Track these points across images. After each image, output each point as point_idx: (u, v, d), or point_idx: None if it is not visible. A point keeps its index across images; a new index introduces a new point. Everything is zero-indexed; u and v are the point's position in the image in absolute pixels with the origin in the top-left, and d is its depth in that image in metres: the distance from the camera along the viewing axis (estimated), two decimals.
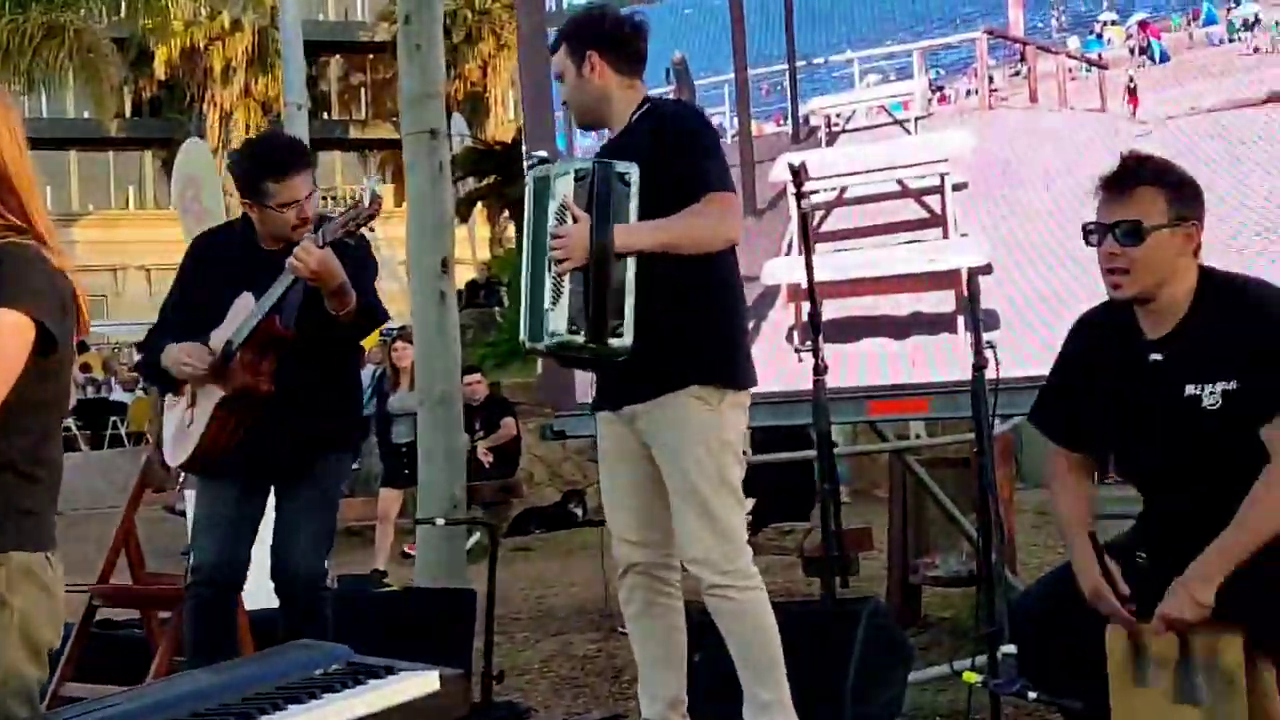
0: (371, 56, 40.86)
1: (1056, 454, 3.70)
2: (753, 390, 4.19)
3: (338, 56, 41.35)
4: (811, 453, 3.98)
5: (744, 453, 4.21)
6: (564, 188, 3.93)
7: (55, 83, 20.37)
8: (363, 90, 42.37)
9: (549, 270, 3.93)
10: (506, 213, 32.30)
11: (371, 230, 4.54)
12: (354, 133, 41.66)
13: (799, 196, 3.73)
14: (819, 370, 3.74)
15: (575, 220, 3.88)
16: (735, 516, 4.08)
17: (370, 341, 18.78)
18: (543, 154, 4.16)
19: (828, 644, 4.47)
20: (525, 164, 4.19)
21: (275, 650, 2.70)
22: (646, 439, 4.11)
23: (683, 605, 4.25)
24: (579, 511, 14.19)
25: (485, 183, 27.38)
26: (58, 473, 2.68)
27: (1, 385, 2.47)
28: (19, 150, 2.62)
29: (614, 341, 3.91)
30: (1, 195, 2.58)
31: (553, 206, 3.94)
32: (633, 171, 3.92)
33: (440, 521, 6.59)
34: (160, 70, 35.31)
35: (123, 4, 22.13)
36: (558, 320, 3.92)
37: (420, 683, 2.42)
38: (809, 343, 4.04)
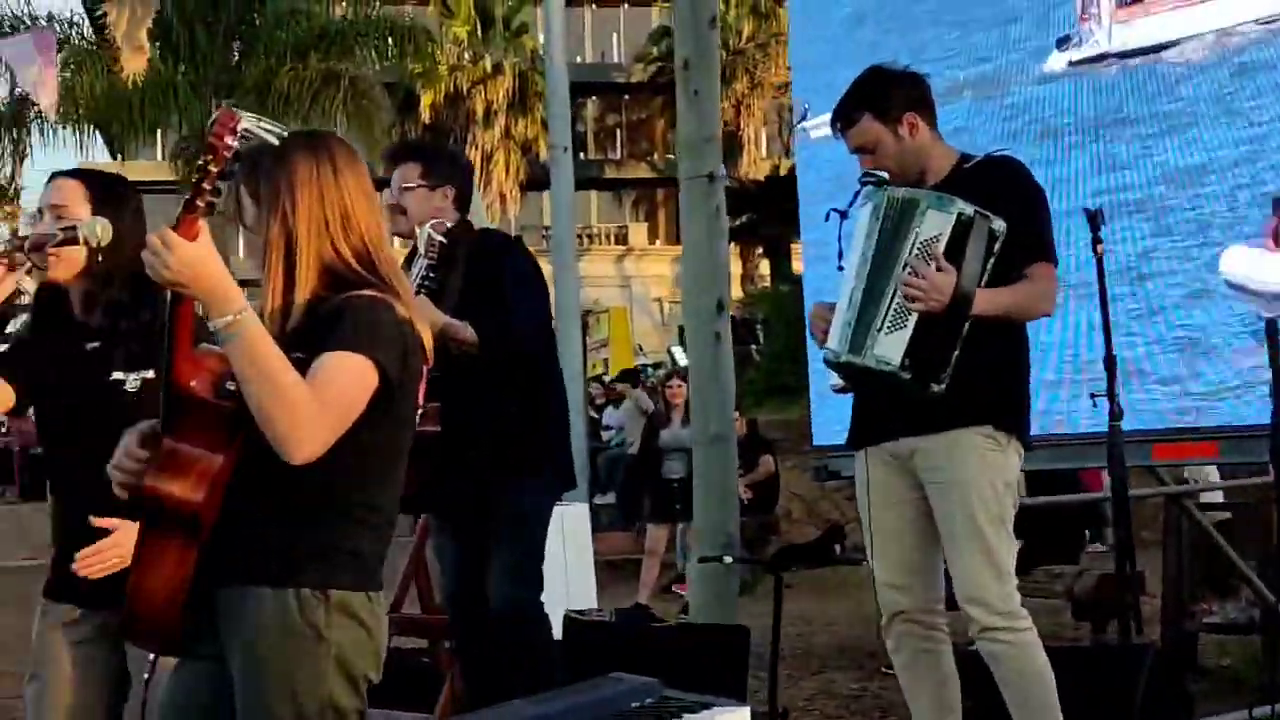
0: (627, 97, 41.44)
1: None
2: (1036, 433, 4.19)
3: (594, 98, 41.97)
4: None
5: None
6: (938, 224, 3.95)
7: (330, 128, 21.10)
8: (618, 130, 42.95)
9: (892, 294, 3.98)
10: (760, 250, 32.53)
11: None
12: (609, 172, 42.24)
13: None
14: (1115, 415, 3.71)
15: (940, 269, 3.90)
16: (1011, 557, 4.06)
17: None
18: (882, 174, 4.18)
19: (1109, 689, 4.42)
20: (860, 179, 4.18)
21: (588, 684, 2.79)
22: (923, 474, 4.08)
23: (951, 650, 4.20)
24: (838, 548, 14.11)
25: (739, 221, 27.52)
26: (389, 517, 2.77)
27: (342, 422, 2.56)
28: (369, 205, 2.75)
29: (934, 388, 3.95)
30: (356, 251, 2.71)
31: (917, 236, 3.97)
32: (1003, 233, 3.94)
33: (728, 560, 6.64)
34: (425, 114, 36.13)
35: (391, 50, 22.80)
36: (890, 349, 3.95)
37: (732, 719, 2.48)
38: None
